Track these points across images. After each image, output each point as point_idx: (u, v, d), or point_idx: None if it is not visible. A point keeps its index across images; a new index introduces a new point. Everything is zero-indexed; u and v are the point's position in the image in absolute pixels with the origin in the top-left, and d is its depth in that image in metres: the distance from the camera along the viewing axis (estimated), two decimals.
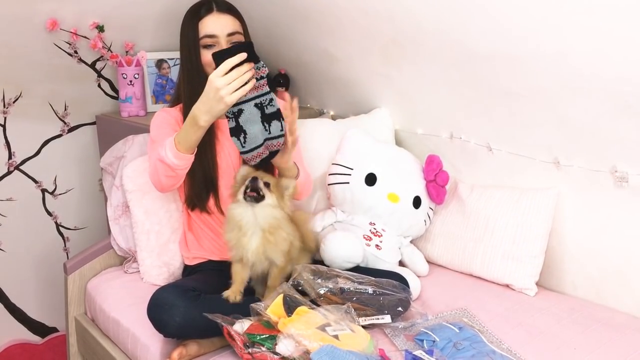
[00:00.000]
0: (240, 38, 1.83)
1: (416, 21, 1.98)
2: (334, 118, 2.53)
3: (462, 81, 2.03)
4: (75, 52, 2.38)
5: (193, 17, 1.82)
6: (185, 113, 1.84)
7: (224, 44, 1.79)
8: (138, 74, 2.42)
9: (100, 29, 2.33)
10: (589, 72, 1.68)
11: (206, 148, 1.83)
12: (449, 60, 2.01)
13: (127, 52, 2.47)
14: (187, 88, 1.84)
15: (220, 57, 1.50)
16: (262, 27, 2.51)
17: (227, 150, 1.89)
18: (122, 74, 2.41)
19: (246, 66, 1.51)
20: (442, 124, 2.21)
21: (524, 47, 1.76)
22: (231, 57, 1.48)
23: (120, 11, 2.32)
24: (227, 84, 1.48)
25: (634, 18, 1.49)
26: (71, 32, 2.28)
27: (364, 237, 1.95)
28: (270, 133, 1.60)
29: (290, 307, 1.53)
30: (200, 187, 1.85)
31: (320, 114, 2.65)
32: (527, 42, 1.75)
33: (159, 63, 2.51)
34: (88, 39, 2.34)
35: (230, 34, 1.81)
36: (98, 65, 2.50)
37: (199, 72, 1.81)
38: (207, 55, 1.79)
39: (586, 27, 1.59)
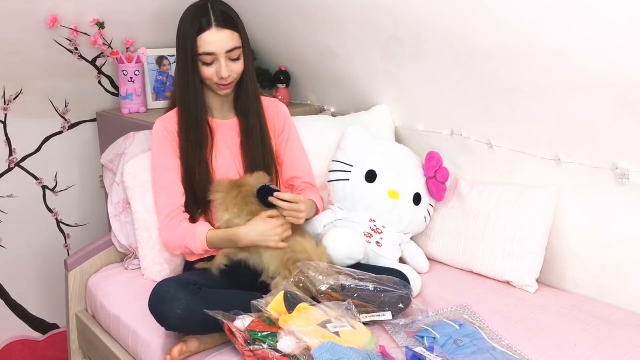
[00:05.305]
0: (239, 53, 1.83)
1: (417, 18, 1.98)
2: (334, 115, 2.53)
3: (463, 78, 2.03)
4: (76, 48, 2.38)
5: (192, 29, 1.78)
6: (181, 119, 1.88)
7: (222, 61, 1.79)
8: (138, 71, 2.42)
9: (101, 25, 2.33)
10: (590, 68, 1.68)
11: (196, 153, 1.87)
12: (449, 57, 2.01)
13: (127, 48, 2.47)
14: (182, 96, 1.87)
15: (262, 192, 1.76)
16: (263, 24, 2.51)
17: (225, 154, 1.90)
18: (123, 70, 2.41)
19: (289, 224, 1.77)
20: (442, 120, 2.21)
21: (525, 43, 1.76)
22: (270, 193, 1.75)
23: (121, 8, 2.32)
24: (282, 233, 1.75)
25: (635, 14, 1.49)
26: (71, 29, 2.29)
27: (365, 235, 1.95)
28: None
29: (291, 303, 1.53)
30: (189, 201, 1.88)
31: (320, 110, 2.65)
32: (528, 39, 1.75)
33: (160, 60, 2.51)
34: (88, 35, 2.34)
35: (229, 51, 1.80)
36: (98, 62, 2.50)
37: (196, 84, 1.83)
38: (205, 71, 1.81)
39: (587, 23, 1.59)
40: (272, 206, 1.75)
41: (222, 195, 1.80)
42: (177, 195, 1.87)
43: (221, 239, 1.78)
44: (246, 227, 1.74)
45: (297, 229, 1.83)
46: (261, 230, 1.73)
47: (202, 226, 1.82)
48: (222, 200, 1.79)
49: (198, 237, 1.79)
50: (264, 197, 1.75)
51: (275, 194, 1.74)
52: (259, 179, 1.81)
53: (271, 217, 1.74)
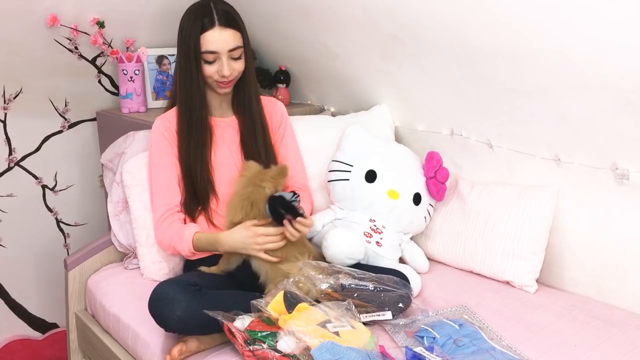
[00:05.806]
0: (241, 52, 1.84)
1: (416, 17, 1.98)
2: (334, 114, 2.53)
3: (463, 77, 2.03)
4: (76, 48, 2.38)
5: (194, 27, 1.79)
6: (181, 117, 1.88)
7: (224, 59, 1.80)
8: (138, 70, 2.42)
9: (101, 24, 2.32)
10: (590, 68, 1.67)
11: (197, 152, 1.87)
12: (449, 57, 2.01)
13: (127, 48, 2.47)
14: (183, 94, 1.87)
15: (274, 203, 1.69)
16: (263, 24, 2.51)
17: (224, 152, 1.90)
18: (123, 70, 2.41)
19: (280, 238, 1.70)
20: (442, 120, 2.21)
21: (525, 43, 1.76)
22: (283, 205, 1.68)
23: (121, 7, 2.32)
24: (264, 243, 1.69)
25: (635, 14, 1.49)
26: (71, 28, 2.28)
27: (365, 234, 1.95)
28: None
29: (290, 303, 1.53)
30: (189, 199, 1.88)
31: (320, 110, 2.65)
32: (528, 39, 1.74)
33: (160, 59, 2.51)
34: (88, 35, 2.34)
35: (231, 50, 1.81)
36: (98, 61, 2.50)
37: (198, 82, 1.84)
38: (207, 69, 1.82)
39: (587, 23, 1.59)
40: (276, 219, 1.70)
41: (246, 177, 1.75)
42: (173, 195, 1.88)
43: (205, 241, 1.79)
44: (228, 232, 1.74)
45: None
46: (242, 237, 1.71)
47: (190, 228, 1.82)
48: (236, 193, 1.76)
49: (185, 239, 1.80)
50: (277, 211, 1.68)
51: (298, 218, 1.68)
52: (279, 176, 1.75)
53: (255, 225, 1.71)
